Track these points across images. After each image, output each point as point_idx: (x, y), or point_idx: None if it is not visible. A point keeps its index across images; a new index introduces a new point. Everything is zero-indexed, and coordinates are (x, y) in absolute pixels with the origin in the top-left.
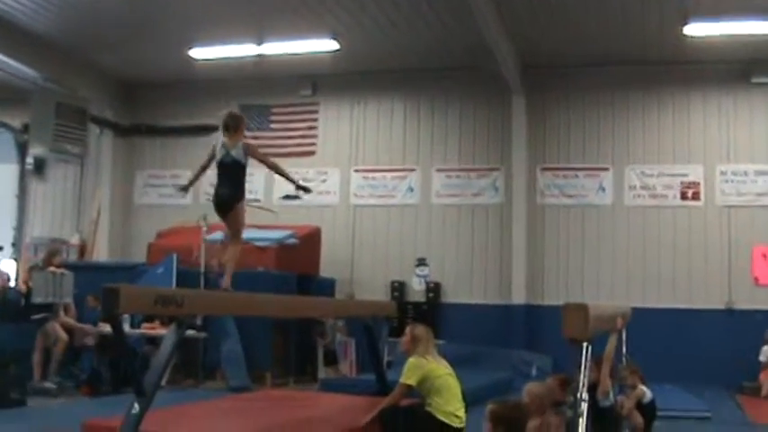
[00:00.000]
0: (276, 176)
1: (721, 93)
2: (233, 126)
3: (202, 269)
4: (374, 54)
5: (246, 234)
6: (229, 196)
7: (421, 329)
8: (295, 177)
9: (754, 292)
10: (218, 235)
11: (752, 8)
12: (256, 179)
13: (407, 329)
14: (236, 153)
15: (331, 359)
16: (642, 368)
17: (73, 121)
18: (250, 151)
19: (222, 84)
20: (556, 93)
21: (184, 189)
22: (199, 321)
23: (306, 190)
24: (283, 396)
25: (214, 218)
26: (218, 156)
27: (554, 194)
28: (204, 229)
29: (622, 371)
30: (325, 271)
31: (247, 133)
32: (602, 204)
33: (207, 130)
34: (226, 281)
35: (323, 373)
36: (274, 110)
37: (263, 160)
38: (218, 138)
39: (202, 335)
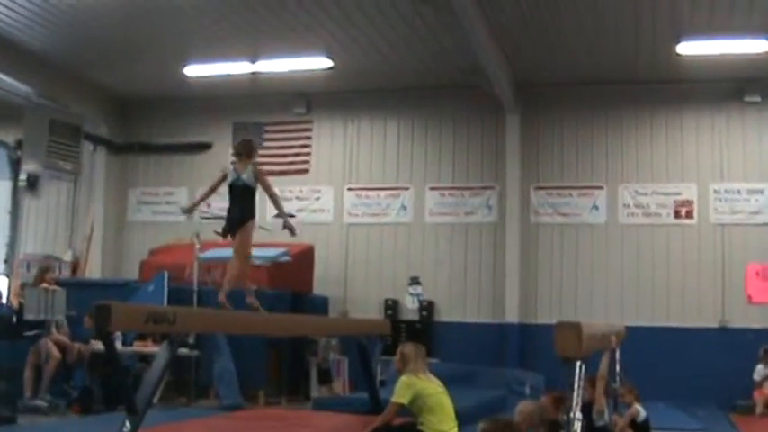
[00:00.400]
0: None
1: (714, 111)
2: (244, 152)
3: (195, 287)
4: (368, 72)
5: None
6: (239, 217)
7: (410, 348)
8: (287, 209)
9: (747, 310)
10: (211, 253)
11: (744, 27)
12: None
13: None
14: (247, 178)
15: (324, 378)
16: (636, 387)
17: (66, 138)
18: (259, 176)
19: (216, 101)
20: (550, 112)
21: (188, 211)
22: (191, 339)
23: (291, 231)
24: (276, 415)
25: (207, 235)
26: (230, 179)
27: (548, 213)
28: (197, 246)
29: (619, 389)
30: (318, 289)
31: None
32: (596, 223)
33: (201, 147)
34: (221, 296)
35: (316, 391)
36: (268, 128)
37: (266, 188)
38: (228, 164)
39: (195, 353)
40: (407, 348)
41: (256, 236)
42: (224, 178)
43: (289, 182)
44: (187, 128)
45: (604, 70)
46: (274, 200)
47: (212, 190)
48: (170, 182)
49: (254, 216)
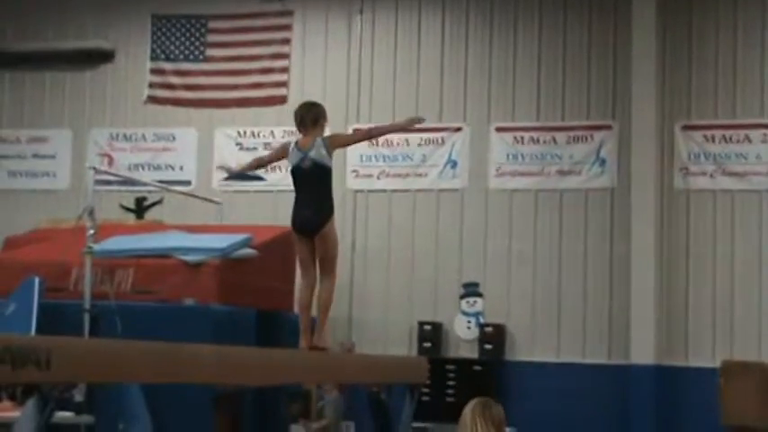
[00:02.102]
0: (216, 143)
1: None
2: (310, 119)
3: (87, 302)
4: None
5: (165, 241)
6: (316, 215)
7: (473, 407)
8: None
9: None
10: (114, 242)
11: None
12: (183, 150)
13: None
14: (316, 154)
15: None
16: None
17: None
18: (332, 145)
19: None
20: None
21: (231, 176)
22: (79, 395)
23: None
24: None
25: (107, 213)
26: (293, 161)
27: (706, 171)
28: (90, 232)
29: None
30: None
31: (167, 65)
32: None
33: (95, 58)
34: (318, 335)
35: None
36: (213, 25)
37: (355, 141)
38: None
39: (86, 419)
40: (467, 411)
41: (196, 213)
42: (284, 154)
43: (252, 118)
44: (68, 25)
45: None
46: (373, 133)
47: (261, 164)
48: (40, 119)
49: (333, 211)
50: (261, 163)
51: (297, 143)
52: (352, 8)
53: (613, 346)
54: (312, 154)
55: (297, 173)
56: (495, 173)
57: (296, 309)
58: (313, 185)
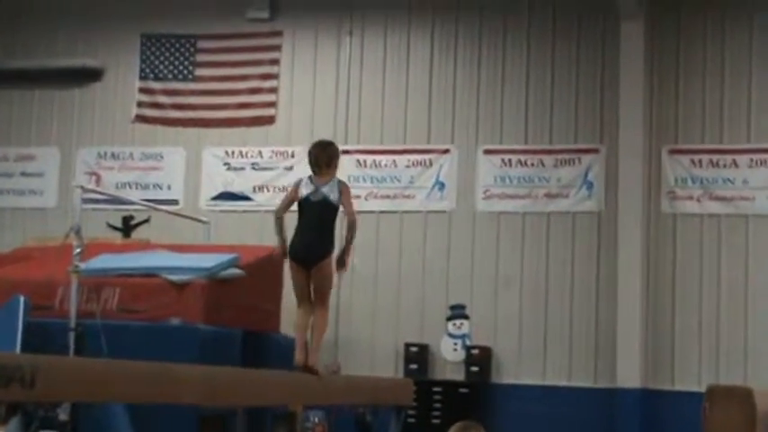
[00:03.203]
0: (204, 162)
1: None
2: (324, 159)
3: (73, 321)
4: None
5: (152, 260)
6: (317, 246)
7: (456, 429)
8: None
9: None
10: (101, 261)
11: None
12: (171, 169)
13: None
14: (329, 191)
15: None
16: None
17: None
18: (343, 194)
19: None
20: (697, 15)
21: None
22: (63, 415)
23: (341, 264)
24: None
25: (94, 230)
26: (303, 193)
27: (693, 196)
28: (77, 251)
29: None
30: (289, 325)
31: (156, 85)
32: None
33: (84, 76)
34: (312, 357)
35: None
36: (202, 44)
37: (349, 212)
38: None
39: None
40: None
41: (183, 233)
42: (295, 194)
43: (239, 138)
44: (57, 44)
45: None
46: (351, 230)
47: (288, 207)
48: (28, 137)
49: (334, 247)
50: (283, 215)
51: (311, 177)
52: (342, 29)
53: (599, 370)
54: (325, 190)
55: (305, 204)
56: (482, 195)
57: (292, 331)
58: (318, 219)
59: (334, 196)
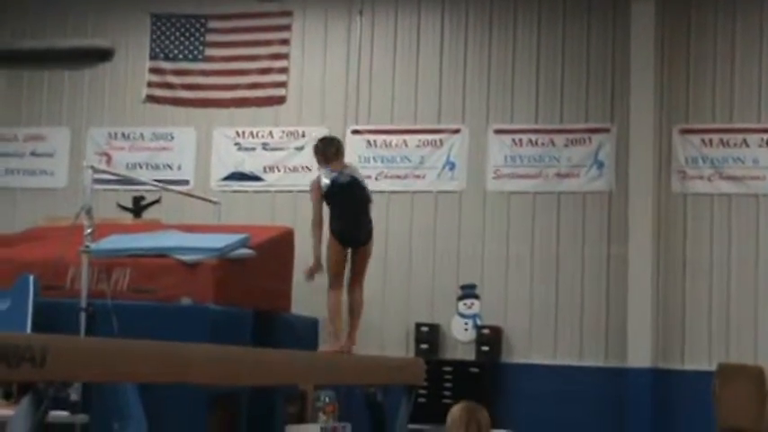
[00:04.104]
0: (214, 142)
1: None
2: (333, 151)
3: (84, 301)
4: None
5: (163, 241)
6: (367, 225)
7: (458, 411)
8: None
9: None
10: (111, 241)
11: None
12: (182, 149)
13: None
14: (352, 171)
15: None
16: None
17: None
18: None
19: None
20: None
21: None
22: (75, 395)
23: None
24: None
25: (104, 212)
26: (327, 181)
27: (704, 175)
28: (88, 231)
29: None
30: (300, 305)
31: (166, 65)
32: None
33: (93, 56)
34: (351, 339)
35: None
36: (212, 24)
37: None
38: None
39: (81, 418)
40: (455, 412)
41: (194, 213)
42: (319, 188)
43: (250, 118)
44: (67, 24)
45: None
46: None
47: (321, 210)
48: (38, 117)
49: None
50: (320, 210)
51: (326, 169)
52: (352, 9)
53: (610, 349)
54: (348, 172)
55: (337, 189)
56: (493, 175)
57: (327, 314)
58: (357, 198)
59: (359, 176)
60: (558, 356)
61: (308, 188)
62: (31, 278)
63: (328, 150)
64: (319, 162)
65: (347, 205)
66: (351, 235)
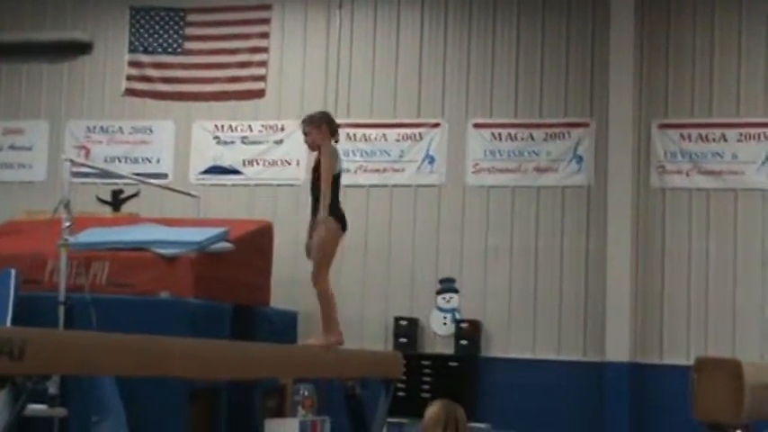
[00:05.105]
0: (193, 136)
1: None
2: (336, 128)
3: (62, 294)
4: None
5: (142, 234)
6: None
7: (436, 410)
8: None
9: None
10: (89, 234)
11: None
12: (161, 143)
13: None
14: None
15: None
16: None
17: None
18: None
19: None
20: None
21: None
22: (52, 388)
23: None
24: None
25: (83, 205)
26: (340, 164)
27: (682, 170)
28: (66, 224)
29: None
30: (279, 298)
31: (145, 58)
32: None
33: (72, 49)
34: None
35: None
36: (191, 18)
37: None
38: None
39: (59, 412)
40: (434, 409)
41: (173, 207)
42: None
43: (229, 112)
44: (46, 17)
45: None
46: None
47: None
48: (17, 111)
49: None
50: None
51: (332, 145)
52: (331, 2)
53: (589, 343)
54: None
55: (339, 176)
56: (472, 169)
57: (323, 302)
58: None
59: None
60: (537, 351)
61: (283, 180)
62: (13, 272)
63: (334, 124)
64: (323, 136)
65: (339, 187)
66: (345, 220)
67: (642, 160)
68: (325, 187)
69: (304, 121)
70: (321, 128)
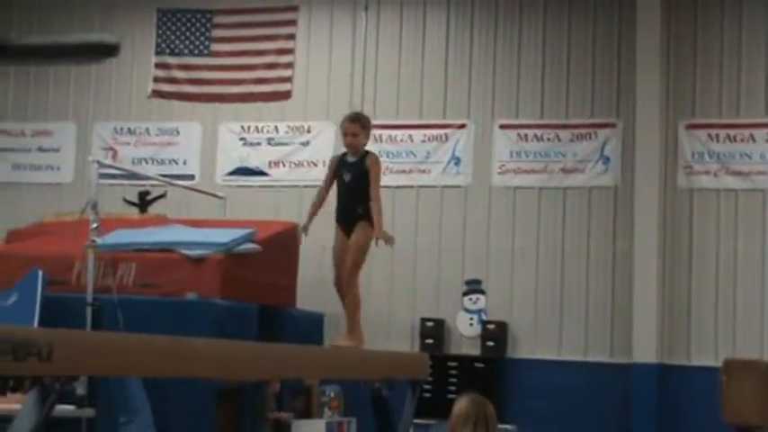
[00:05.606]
0: (220, 137)
1: None
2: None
3: (90, 296)
4: None
5: (168, 235)
6: None
7: (465, 405)
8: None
9: None
10: (116, 236)
11: None
12: (187, 144)
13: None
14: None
15: None
16: None
17: None
18: None
19: None
20: None
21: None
22: (80, 389)
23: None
24: None
25: (110, 206)
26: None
27: (710, 170)
28: (93, 226)
29: None
30: (306, 300)
31: (172, 60)
32: None
33: (99, 51)
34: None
35: None
36: (218, 19)
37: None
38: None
39: (87, 412)
40: (462, 405)
41: (200, 208)
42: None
43: (255, 113)
44: (74, 19)
45: None
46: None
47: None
48: (45, 113)
49: None
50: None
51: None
52: (358, 4)
53: (615, 345)
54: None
55: None
56: (498, 170)
57: (353, 304)
58: None
59: None
60: (564, 352)
61: (310, 181)
62: (40, 273)
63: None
64: (364, 139)
65: None
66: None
67: (669, 161)
68: (379, 204)
69: (352, 120)
70: (364, 132)
